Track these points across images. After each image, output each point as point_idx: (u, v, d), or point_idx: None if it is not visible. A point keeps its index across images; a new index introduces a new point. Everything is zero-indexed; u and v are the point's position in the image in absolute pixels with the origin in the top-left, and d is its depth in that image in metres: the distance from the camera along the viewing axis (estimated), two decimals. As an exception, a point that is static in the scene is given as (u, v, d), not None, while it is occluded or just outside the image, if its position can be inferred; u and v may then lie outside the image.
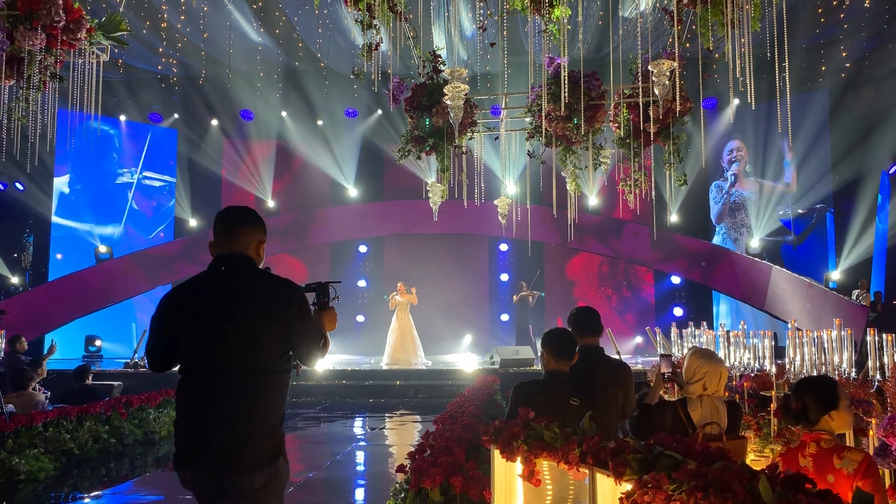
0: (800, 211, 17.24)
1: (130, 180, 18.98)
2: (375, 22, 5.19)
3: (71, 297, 16.27)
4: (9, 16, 5.70)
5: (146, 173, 19.19)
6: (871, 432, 4.29)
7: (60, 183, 17.91)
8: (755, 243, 16.79)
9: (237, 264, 2.90)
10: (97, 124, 7.05)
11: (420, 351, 15.16)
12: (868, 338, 7.55)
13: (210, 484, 2.76)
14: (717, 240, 18.20)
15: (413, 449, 4.67)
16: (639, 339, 17.98)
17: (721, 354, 10.24)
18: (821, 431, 2.85)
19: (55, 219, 17.81)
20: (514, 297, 16.80)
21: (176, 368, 2.92)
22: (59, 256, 17.74)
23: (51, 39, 5.80)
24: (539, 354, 4.14)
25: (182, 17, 14.99)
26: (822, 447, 2.80)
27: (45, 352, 10.21)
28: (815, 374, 7.38)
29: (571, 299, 18.05)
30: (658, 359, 4.69)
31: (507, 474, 3.22)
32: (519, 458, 3.06)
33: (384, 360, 15.00)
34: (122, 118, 18.46)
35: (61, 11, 5.67)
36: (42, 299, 16.03)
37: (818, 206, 16.97)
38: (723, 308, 18.41)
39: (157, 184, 19.32)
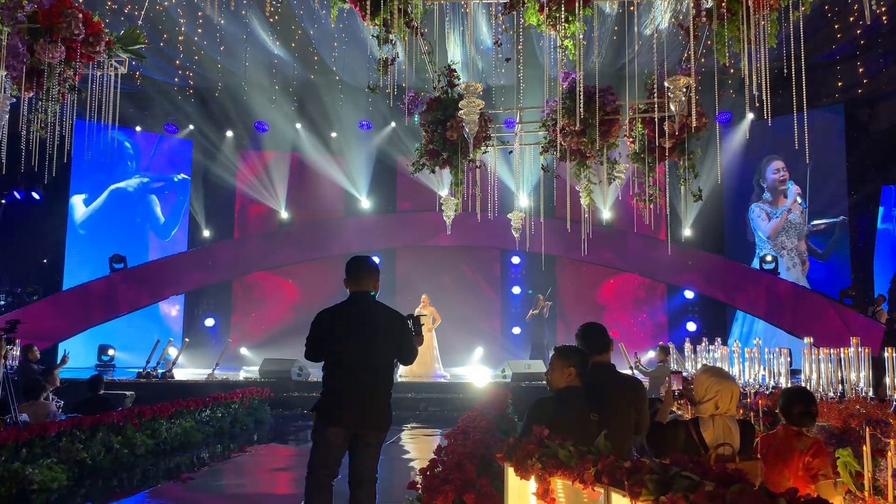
0: (819, 223, 17.07)
1: (142, 185, 19.16)
2: (391, 37, 5.21)
3: (76, 308, 16.39)
4: (29, 29, 5.76)
5: (158, 181, 19.37)
6: (889, 454, 4.22)
7: (78, 197, 18.08)
8: (770, 258, 16.65)
9: (368, 299, 4.44)
10: (115, 134, 7.08)
11: (438, 364, 15.09)
12: (885, 355, 7.47)
13: (352, 436, 4.30)
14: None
15: (425, 464, 4.62)
16: (652, 354, 17.85)
17: (735, 371, 10.16)
18: (791, 425, 3.80)
19: (74, 228, 17.97)
20: (529, 315, 16.69)
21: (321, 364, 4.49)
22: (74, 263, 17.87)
23: (70, 52, 5.85)
24: (549, 370, 4.08)
25: (199, 31, 15.13)
26: (788, 433, 3.77)
27: (59, 361, 10.25)
28: (831, 392, 7.29)
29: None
30: (670, 375, 4.65)
31: (520, 492, 3.19)
32: (533, 477, 3.03)
33: (399, 371, 14.87)
34: (138, 129, 18.62)
35: (81, 25, 5.72)
36: (50, 310, 16.13)
37: (838, 218, 16.82)
38: (735, 324, 18.25)
39: (175, 179, 19.42)
